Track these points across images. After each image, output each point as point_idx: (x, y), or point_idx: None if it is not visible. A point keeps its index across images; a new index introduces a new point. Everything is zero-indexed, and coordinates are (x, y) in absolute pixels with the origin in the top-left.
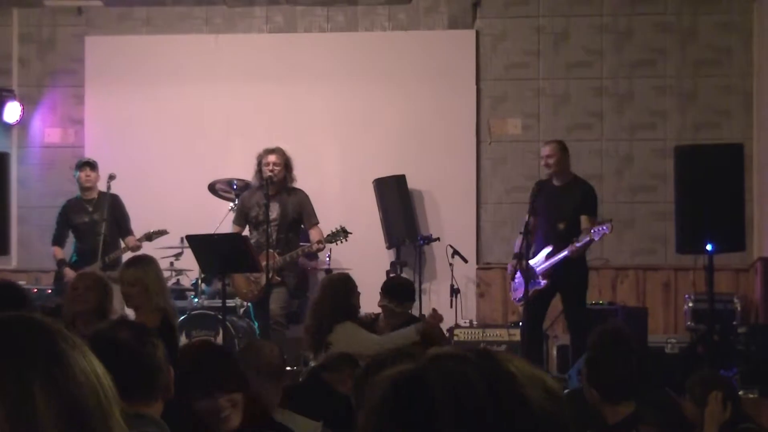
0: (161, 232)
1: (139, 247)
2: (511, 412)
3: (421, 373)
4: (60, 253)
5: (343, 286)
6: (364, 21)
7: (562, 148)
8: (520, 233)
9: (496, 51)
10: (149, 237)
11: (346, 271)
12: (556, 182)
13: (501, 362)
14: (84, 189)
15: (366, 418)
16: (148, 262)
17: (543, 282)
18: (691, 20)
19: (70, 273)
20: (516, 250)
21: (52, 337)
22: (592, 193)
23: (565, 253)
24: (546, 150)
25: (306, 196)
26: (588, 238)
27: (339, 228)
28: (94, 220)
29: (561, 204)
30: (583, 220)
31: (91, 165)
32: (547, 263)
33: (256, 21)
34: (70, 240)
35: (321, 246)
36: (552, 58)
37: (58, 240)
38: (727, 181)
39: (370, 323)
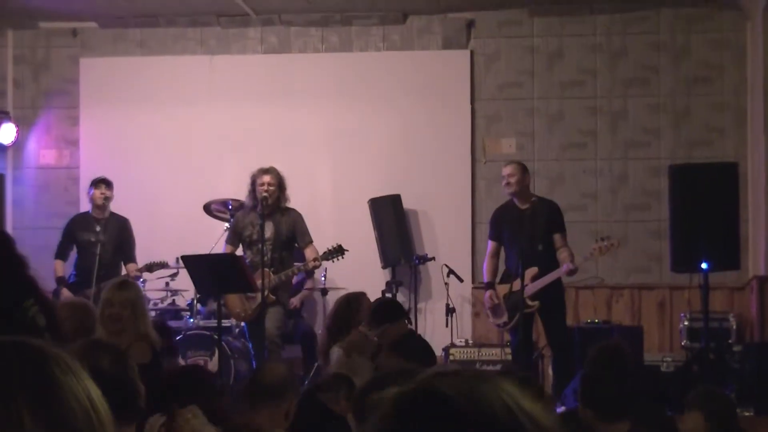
0: (162, 264)
1: (139, 278)
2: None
3: (438, 387)
4: (61, 269)
5: (346, 306)
6: (358, 41)
7: (522, 169)
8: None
9: (490, 71)
10: (150, 268)
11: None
12: (519, 204)
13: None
14: (96, 207)
15: None
16: (136, 285)
17: (533, 304)
18: (684, 38)
19: (66, 294)
20: (486, 279)
21: (43, 363)
22: (559, 210)
23: (565, 268)
24: (507, 170)
25: (299, 216)
26: (588, 255)
27: (335, 246)
28: (100, 240)
29: (532, 226)
30: (557, 238)
31: (107, 183)
32: (538, 284)
33: (251, 42)
34: (73, 254)
35: (317, 263)
36: (546, 78)
37: (61, 254)
38: (721, 199)
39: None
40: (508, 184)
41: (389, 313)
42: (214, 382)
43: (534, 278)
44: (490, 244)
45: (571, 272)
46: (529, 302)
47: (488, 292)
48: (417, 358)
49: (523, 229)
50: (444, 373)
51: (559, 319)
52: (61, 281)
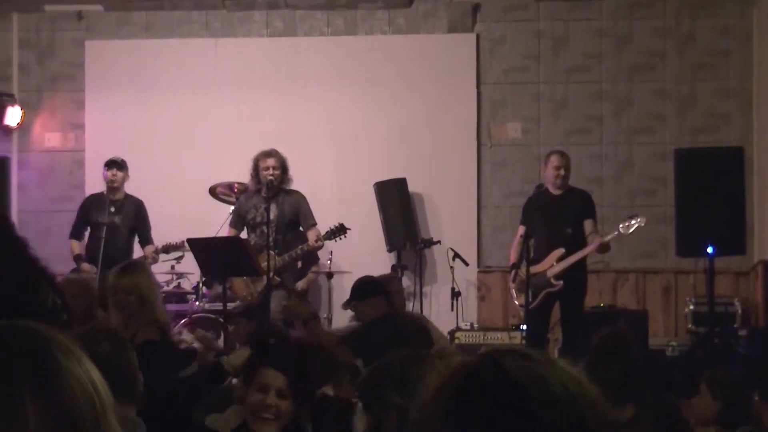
0: (178, 246)
1: (156, 260)
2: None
3: (502, 365)
4: (77, 247)
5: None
6: (363, 25)
7: (569, 160)
8: (521, 240)
9: (496, 55)
10: (167, 249)
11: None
12: (554, 191)
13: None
14: (110, 189)
15: (435, 405)
16: (141, 269)
17: (557, 283)
18: (689, 24)
19: (86, 268)
20: (513, 260)
21: (45, 347)
22: (592, 199)
23: (593, 246)
24: (561, 160)
25: (303, 197)
26: (616, 233)
27: (337, 225)
28: (114, 222)
29: (564, 211)
30: (588, 224)
31: (119, 165)
32: (563, 264)
33: (256, 25)
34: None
35: (320, 244)
36: (551, 63)
37: (76, 234)
38: (727, 184)
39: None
40: (564, 176)
41: (356, 291)
42: None
43: (560, 259)
44: (520, 229)
45: (602, 248)
46: (554, 282)
47: (513, 272)
48: (384, 339)
49: (554, 213)
50: (505, 352)
51: (578, 303)
52: (78, 258)
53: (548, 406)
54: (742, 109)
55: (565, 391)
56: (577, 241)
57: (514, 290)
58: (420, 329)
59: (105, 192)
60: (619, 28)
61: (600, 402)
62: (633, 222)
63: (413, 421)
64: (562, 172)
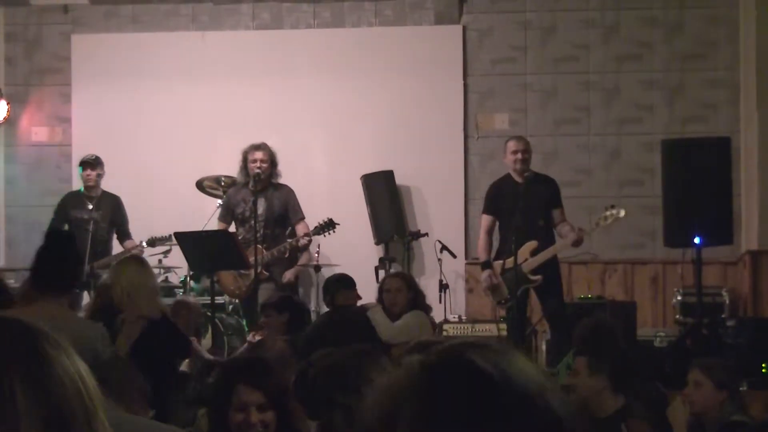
0: (165, 239)
1: (141, 252)
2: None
3: (471, 359)
4: None
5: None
6: (350, 17)
7: (529, 144)
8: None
9: (483, 46)
10: (152, 242)
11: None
12: (518, 178)
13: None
14: (87, 187)
15: (396, 404)
16: (132, 265)
17: (535, 278)
18: (677, 14)
19: None
20: (483, 257)
21: (33, 338)
22: (558, 186)
23: (573, 237)
24: (520, 145)
25: (291, 192)
26: (596, 226)
27: (326, 220)
28: (93, 218)
29: (532, 200)
30: (557, 214)
31: (91, 164)
32: (539, 258)
33: (243, 18)
34: None
35: (308, 239)
36: (539, 53)
37: None
38: (714, 174)
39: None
40: (524, 160)
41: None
42: None
43: (533, 252)
44: (486, 219)
45: (578, 242)
46: (531, 277)
47: (486, 272)
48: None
49: (521, 203)
50: (474, 345)
51: (558, 293)
52: None
53: (519, 398)
54: (730, 99)
55: (530, 380)
56: (548, 232)
57: (488, 289)
58: (364, 325)
59: (82, 189)
60: (606, 18)
61: (563, 395)
62: (611, 213)
63: (365, 423)
64: (520, 156)
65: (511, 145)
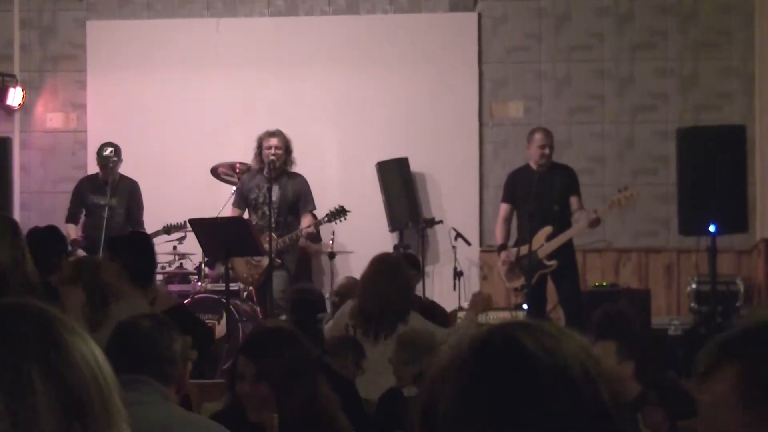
0: (180, 226)
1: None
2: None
3: (519, 338)
4: (74, 231)
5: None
6: (365, 4)
7: (553, 138)
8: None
9: (497, 34)
10: (168, 230)
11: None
12: (538, 169)
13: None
14: (104, 171)
15: (445, 383)
16: None
17: (551, 263)
18: (691, 3)
19: (82, 254)
20: (501, 241)
21: (50, 324)
22: (575, 174)
23: (584, 222)
24: (545, 138)
25: (305, 181)
26: (609, 206)
27: (338, 207)
28: (110, 203)
29: (550, 188)
30: (573, 201)
31: (110, 149)
32: (554, 243)
33: (257, 5)
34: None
35: (311, 230)
36: (553, 41)
37: (72, 218)
38: (729, 162)
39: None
40: (544, 155)
41: None
42: None
43: (549, 237)
44: (503, 208)
45: (593, 223)
46: (546, 262)
47: (503, 253)
48: None
49: (539, 190)
50: (526, 325)
51: (573, 279)
52: (75, 243)
53: (563, 378)
54: (745, 88)
55: (578, 363)
56: (564, 219)
57: (503, 273)
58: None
59: (99, 173)
60: (621, 7)
61: (609, 374)
62: (624, 195)
63: (421, 401)
64: (547, 150)
65: (539, 138)
